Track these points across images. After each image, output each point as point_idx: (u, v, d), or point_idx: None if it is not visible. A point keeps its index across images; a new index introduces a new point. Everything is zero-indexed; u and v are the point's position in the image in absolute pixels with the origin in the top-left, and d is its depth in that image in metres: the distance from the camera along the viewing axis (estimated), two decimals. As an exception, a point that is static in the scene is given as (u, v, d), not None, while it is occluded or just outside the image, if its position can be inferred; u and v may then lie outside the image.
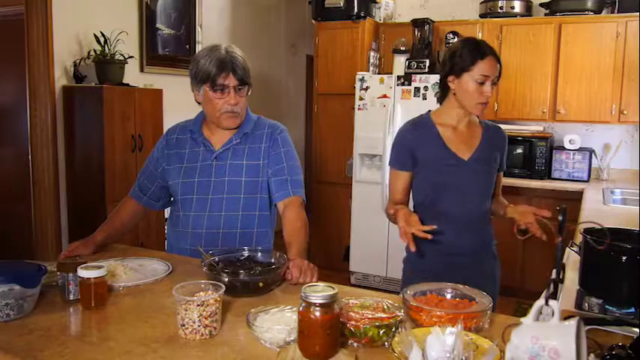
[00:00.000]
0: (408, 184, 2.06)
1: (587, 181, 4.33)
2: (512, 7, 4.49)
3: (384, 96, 4.42)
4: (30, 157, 3.81)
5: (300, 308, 1.15)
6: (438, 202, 2.01)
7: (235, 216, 1.94)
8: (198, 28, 4.96)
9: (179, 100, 4.74)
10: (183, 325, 1.27)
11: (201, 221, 1.93)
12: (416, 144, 2.02)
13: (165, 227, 2.12)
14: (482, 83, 1.93)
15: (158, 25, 4.55)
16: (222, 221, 1.93)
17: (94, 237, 2.02)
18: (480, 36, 4.57)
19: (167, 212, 2.18)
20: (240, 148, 1.98)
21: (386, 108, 4.40)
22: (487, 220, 2.09)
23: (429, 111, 2.12)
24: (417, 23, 4.60)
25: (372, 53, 4.80)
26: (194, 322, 1.26)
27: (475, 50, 1.95)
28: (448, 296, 1.45)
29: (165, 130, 4.11)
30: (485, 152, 2.04)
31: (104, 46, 3.76)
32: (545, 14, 4.49)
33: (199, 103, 1.99)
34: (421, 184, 2.04)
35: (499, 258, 2.15)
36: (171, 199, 2.10)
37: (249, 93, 1.97)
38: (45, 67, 3.67)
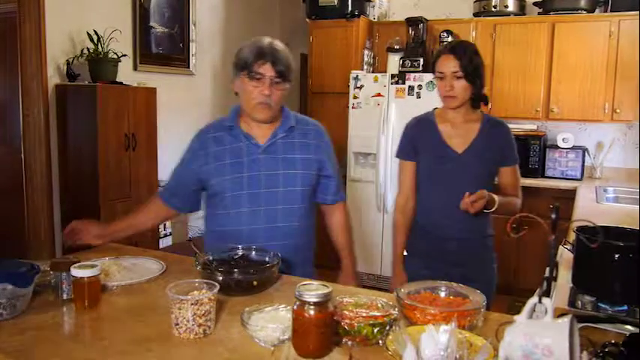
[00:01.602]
0: (414, 173, 2.24)
1: (580, 180, 4.35)
2: (506, 6, 4.50)
3: (378, 94, 4.42)
4: (23, 156, 3.79)
5: (295, 307, 1.15)
6: (432, 189, 2.20)
7: (294, 209, 1.91)
8: (192, 26, 4.95)
9: (173, 99, 4.75)
10: (177, 324, 1.27)
11: (257, 216, 1.88)
12: (417, 137, 2.23)
13: (203, 230, 2.06)
14: (441, 79, 2.14)
15: (152, 24, 4.54)
16: (277, 215, 1.89)
17: (110, 223, 2.03)
18: (473, 35, 4.58)
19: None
20: (290, 141, 1.94)
21: (380, 106, 4.40)
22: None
23: (435, 108, 2.31)
24: (411, 22, 4.60)
25: (366, 52, 4.80)
26: (188, 321, 1.26)
27: (439, 50, 2.21)
28: (442, 294, 1.45)
29: (158, 128, 4.14)
30: (480, 147, 2.16)
31: (97, 45, 3.74)
32: (539, 13, 4.51)
33: (237, 94, 1.93)
34: (420, 173, 2.23)
35: (494, 250, 2.28)
36: (198, 199, 2.04)
37: (286, 89, 1.89)
38: (38, 66, 3.65)
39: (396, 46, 4.64)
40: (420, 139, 2.22)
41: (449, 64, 2.11)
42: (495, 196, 2.05)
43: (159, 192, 2.09)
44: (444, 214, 2.16)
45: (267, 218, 1.88)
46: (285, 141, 1.93)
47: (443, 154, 2.17)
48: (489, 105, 2.21)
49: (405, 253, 2.26)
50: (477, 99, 2.17)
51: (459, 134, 2.18)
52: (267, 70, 1.81)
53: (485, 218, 2.18)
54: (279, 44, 1.87)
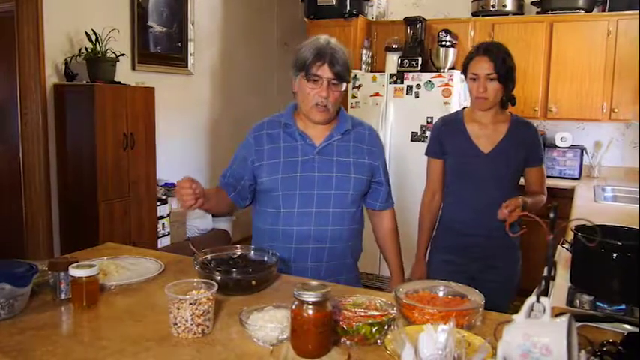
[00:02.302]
0: (441, 171, 2.34)
1: (578, 179, 4.35)
2: (504, 6, 4.50)
3: (377, 94, 4.42)
4: (21, 155, 3.79)
5: (293, 306, 1.15)
6: (459, 187, 2.28)
7: (344, 213, 1.90)
8: (190, 26, 4.95)
9: (171, 98, 4.74)
10: (176, 324, 1.27)
11: (308, 218, 1.86)
12: (445, 136, 2.31)
13: (252, 227, 2.01)
14: (474, 80, 2.18)
15: (150, 23, 4.53)
16: (329, 218, 1.87)
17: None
18: (471, 34, 4.58)
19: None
20: (345, 144, 1.92)
21: (378, 106, 4.40)
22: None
23: (464, 108, 2.38)
24: (410, 21, 4.60)
25: (364, 51, 4.80)
26: (186, 321, 1.26)
27: (472, 51, 2.23)
28: (440, 294, 1.45)
29: (157, 127, 4.13)
30: (507, 147, 2.22)
31: (95, 44, 3.74)
32: (537, 13, 4.51)
33: (294, 94, 1.91)
34: (448, 171, 2.32)
35: (519, 248, 2.38)
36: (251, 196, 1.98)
37: (344, 89, 1.87)
38: (36, 65, 3.65)
39: (395, 46, 4.64)
40: (447, 138, 2.29)
41: (483, 66, 2.13)
42: (525, 199, 2.08)
43: (221, 185, 1.97)
44: (469, 212, 2.24)
45: (318, 220, 1.86)
46: (340, 144, 1.91)
47: (469, 153, 2.23)
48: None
49: (429, 247, 2.37)
50: (507, 100, 2.23)
51: (487, 134, 2.23)
52: (324, 71, 1.79)
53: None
54: (337, 44, 1.85)
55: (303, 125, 1.92)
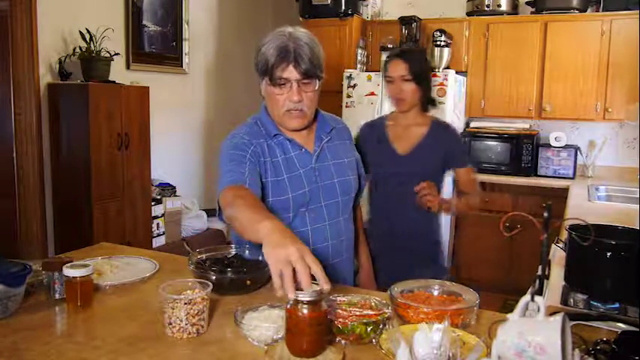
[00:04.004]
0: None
1: (572, 178, 4.37)
2: (499, 6, 4.52)
3: (372, 93, 4.43)
4: (15, 154, 3.77)
5: (288, 306, 1.15)
6: (380, 189, 2.27)
7: (350, 218, 1.84)
8: (185, 25, 4.94)
9: (166, 98, 4.73)
10: (171, 324, 1.26)
11: (323, 233, 1.72)
12: (366, 139, 2.28)
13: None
14: (391, 82, 2.21)
15: (144, 22, 4.52)
16: (342, 227, 1.77)
17: None
18: (466, 34, 4.59)
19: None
20: (335, 144, 1.79)
21: (373, 105, 4.40)
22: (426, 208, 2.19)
23: (392, 112, 2.37)
24: (405, 21, 4.61)
25: (359, 51, 4.80)
26: (181, 321, 1.25)
27: (388, 56, 2.26)
28: (435, 293, 1.45)
29: (151, 127, 4.12)
30: (424, 148, 2.23)
31: (90, 43, 3.72)
32: (532, 12, 4.52)
33: (264, 98, 1.71)
34: (370, 173, 2.22)
35: (442, 243, 2.39)
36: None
37: (317, 87, 1.65)
38: (29, 64, 3.63)
39: (390, 45, 4.64)
40: (368, 141, 2.26)
41: (397, 68, 2.18)
42: (451, 200, 2.22)
43: (239, 181, 1.56)
44: (394, 211, 2.24)
45: (332, 233, 1.74)
46: (330, 144, 1.77)
47: (385, 154, 2.24)
48: (437, 107, 2.37)
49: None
50: (427, 102, 2.26)
51: (405, 136, 2.25)
52: (290, 73, 1.58)
53: (433, 216, 2.26)
54: (302, 35, 1.61)
55: (290, 133, 1.71)
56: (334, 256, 1.75)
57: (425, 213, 2.10)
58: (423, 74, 2.20)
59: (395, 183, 2.22)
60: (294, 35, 1.59)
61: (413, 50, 2.29)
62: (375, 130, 2.32)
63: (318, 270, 1.13)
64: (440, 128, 2.28)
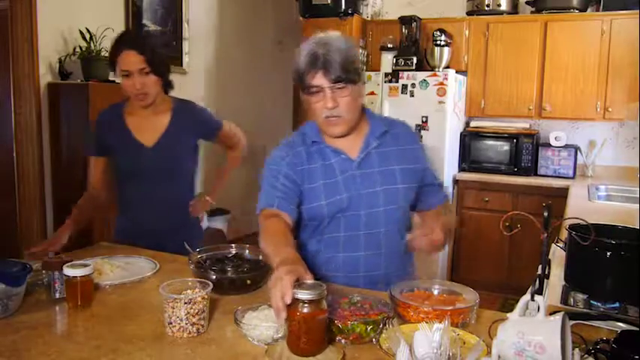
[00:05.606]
0: (104, 169, 2.20)
1: (572, 178, 4.37)
2: (499, 5, 4.51)
3: (372, 93, 4.43)
4: (15, 154, 3.77)
5: (289, 305, 1.15)
6: (127, 188, 2.17)
7: (396, 230, 1.69)
8: (185, 25, 4.93)
9: (166, 97, 4.73)
10: (171, 323, 1.26)
11: (357, 242, 1.65)
12: (106, 132, 2.15)
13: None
14: (127, 76, 2.00)
15: (144, 22, 4.52)
16: (381, 239, 1.65)
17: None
18: (466, 33, 4.59)
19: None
20: (386, 150, 1.68)
21: (373, 105, 4.40)
22: (178, 200, 2.20)
23: (126, 100, 2.17)
24: (405, 20, 4.60)
25: (359, 50, 4.80)
26: (181, 320, 1.25)
27: (113, 46, 2.04)
28: (435, 292, 1.45)
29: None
30: (172, 136, 2.12)
31: (90, 43, 3.72)
32: (532, 12, 4.52)
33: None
34: (115, 169, 2.17)
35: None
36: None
37: (354, 91, 1.58)
38: (30, 64, 3.63)
39: (390, 45, 4.64)
40: (108, 134, 2.14)
41: (133, 61, 1.98)
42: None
43: (271, 205, 1.60)
44: (144, 210, 2.15)
45: (368, 244, 1.65)
46: (380, 150, 1.67)
47: (132, 148, 2.10)
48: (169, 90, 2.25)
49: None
50: (165, 86, 2.15)
51: (149, 127, 2.12)
52: (320, 80, 1.54)
53: (183, 206, 2.21)
54: (332, 39, 1.57)
55: (331, 139, 1.67)
56: (368, 267, 1.65)
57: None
58: (160, 60, 2.05)
59: (148, 178, 2.11)
60: (324, 41, 1.56)
61: (143, 37, 2.11)
62: (113, 120, 2.16)
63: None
64: (182, 109, 2.18)
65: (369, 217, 1.63)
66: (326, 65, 1.52)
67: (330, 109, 1.56)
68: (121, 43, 2.01)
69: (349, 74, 1.54)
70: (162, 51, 2.08)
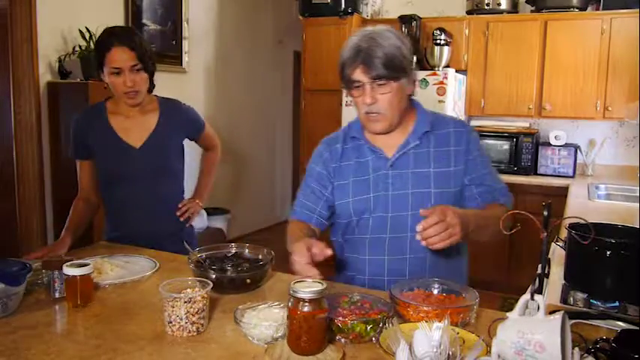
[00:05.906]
0: (91, 173, 2.13)
1: (572, 177, 4.37)
2: (499, 4, 4.51)
3: (372, 92, 4.42)
4: (14, 153, 3.76)
5: (289, 304, 1.15)
6: (115, 191, 2.09)
7: None
8: (184, 24, 4.93)
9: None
10: (171, 322, 1.26)
11: (381, 245, 1.60)
12: (85, 134, 2.05)
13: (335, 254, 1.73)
14: (117, 74, 1.92)
15: (144, 21, 4.52)
16: (407, 243, 1.58)
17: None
18: (466, 32, 4.59)
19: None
20: (424, 151, 1.60)
21: (373, 104, 4.40)
22: (168, 202, 2.15)
23: (107, 99, 2.11)
24: (405, 20, 4.60)
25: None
26: (181, 319, 1.25)
27: (101, 42, 1.94)
28: (435, 291, 1.45)
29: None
30: (161, 136, 2.06)
31: (89, 42, 3.72)
32: (532, 11, 4.52)
33: None
34: (100, 173, 2.10)
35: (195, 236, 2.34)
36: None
37: (395, 88, 1.52)
38: (29, 63, 3.63)
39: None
40: (91, 136, 2.05)
41: (125, 57, 1.89)
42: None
43: (293, 214, 1.71)
44: (134, 213, 2.09)
45: (392, 249, 1.59)
46: (418, 151, 1.60)
47: (120, 151, 2.03)
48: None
49: None
50: (151, 86, 2.07)
51: (136, 127, 2.05)
52: (359, 74, 1.51)
53: (174, 207, 2.16)
54: (378, 33, 1.52)
55: (371, 136, 1.64)
56: (392, 272, 1.59)
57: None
58: (150, 57, 1.96)
59: (136, 180, 2.05)
60: (369, 35, 1.52)
61: (129, 30, 2.01)
62: (95, 121, 2.06)
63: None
64: (169, 109, 2.12)
65: (395, 220, 1.58)
66: (366, 60, 1.48)
67: (369, 105, 1.53)
68: (111, 39, 1.90)
69: (391, 71, 1.50)
70: (151, 47, 2.01)
